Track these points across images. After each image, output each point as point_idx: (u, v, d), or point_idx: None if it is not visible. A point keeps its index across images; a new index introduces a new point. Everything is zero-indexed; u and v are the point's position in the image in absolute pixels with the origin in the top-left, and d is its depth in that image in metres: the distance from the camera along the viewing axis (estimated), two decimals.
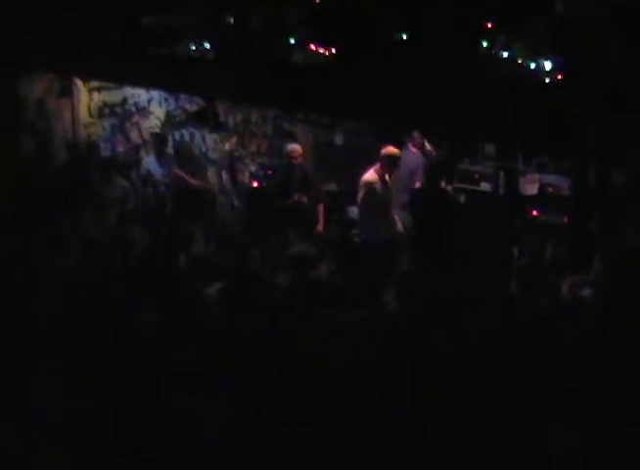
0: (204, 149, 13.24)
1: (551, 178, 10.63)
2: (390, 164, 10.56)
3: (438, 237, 10.06)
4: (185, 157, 12.24)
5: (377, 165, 10.59)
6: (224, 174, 12.89)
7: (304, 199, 11.42)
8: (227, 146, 12.74)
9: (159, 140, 12.42)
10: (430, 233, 10.19)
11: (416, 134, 11.02)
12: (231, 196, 12.69)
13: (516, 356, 6.26)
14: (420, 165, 11.15)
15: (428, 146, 11.20)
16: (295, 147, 11.62)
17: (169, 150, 12.58)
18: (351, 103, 9.76)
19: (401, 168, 11.00)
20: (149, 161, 12.24)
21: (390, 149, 10.64)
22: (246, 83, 10.32)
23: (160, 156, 12.17)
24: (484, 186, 11.09)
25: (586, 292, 8.24)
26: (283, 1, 10.46)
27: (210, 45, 10.71)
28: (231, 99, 12.11)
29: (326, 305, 7.20)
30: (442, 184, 11.19)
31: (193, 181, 11.93)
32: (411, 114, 9.61)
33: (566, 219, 10.42)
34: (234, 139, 13.09)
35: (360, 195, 10.58)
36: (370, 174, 10.58)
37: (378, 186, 10.46)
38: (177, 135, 13.14)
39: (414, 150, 11.08)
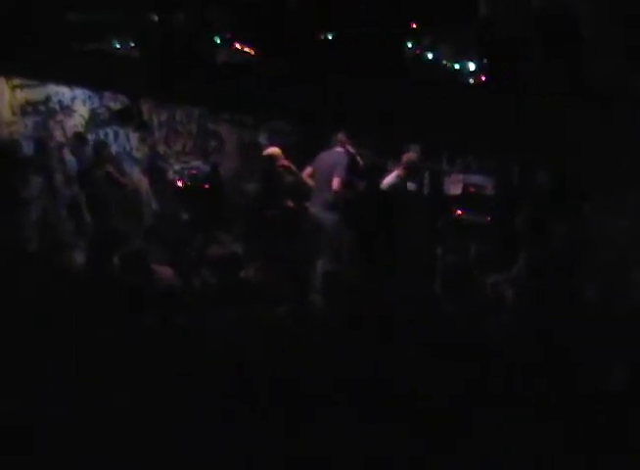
0: (128, 148, 13.06)
1: (475, 178, 10.66)
2: (412, 169, 10.56)
3: (384, 239, 9.96)
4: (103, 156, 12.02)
5: (399, 170, 10.59)
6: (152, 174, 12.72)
7: (291, 204, 11.16)
8: (151, 145, 12.57)
9: (77, 139, 12.20)
10: (372, 235, 10.06)
11: (340, 134, 10.91)
12: (158, 196, 12.52)
13: (438, 355, 6.20)
14: (339, 163, 10.92)
15: (349, 147, 11.10)
16: (274, 150, 11.33)
17: (89, 149, 12.35)
18: (276, 102, 9.72)
19: (322, 167, 10.86)
20: (71, 160, 12.03)
21: (412, 155, 10.65)
22: (170, 82, 10.24)
23: (79, 155, 11.96)
24: (409, 186, 10.81)
25: (509, 290, 8.27)
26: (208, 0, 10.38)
27: (135, 43, 10.56)
28: (155, 97, 11.95)
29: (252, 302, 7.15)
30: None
31: (123, 180, 11.77)
32: (336, 113, 9.61)
33: (489, 218, 10.44)
34: (158, 138, 12.93)
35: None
36: (392, 178, 10.60)
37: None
38: (101, 134, 12.94)
39: (339, 149, 10.93)
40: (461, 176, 10.82)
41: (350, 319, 6.84)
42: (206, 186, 12.30)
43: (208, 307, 7.21)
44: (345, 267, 9.42)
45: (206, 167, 12.86)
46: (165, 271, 8.19)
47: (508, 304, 8.05)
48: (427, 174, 11.08)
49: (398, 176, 10.51)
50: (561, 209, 9.48)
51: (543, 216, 9.48)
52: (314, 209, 10.73)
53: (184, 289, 7.86)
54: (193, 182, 12.48)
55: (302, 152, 11.70)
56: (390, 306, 7.27)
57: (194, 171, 12.68)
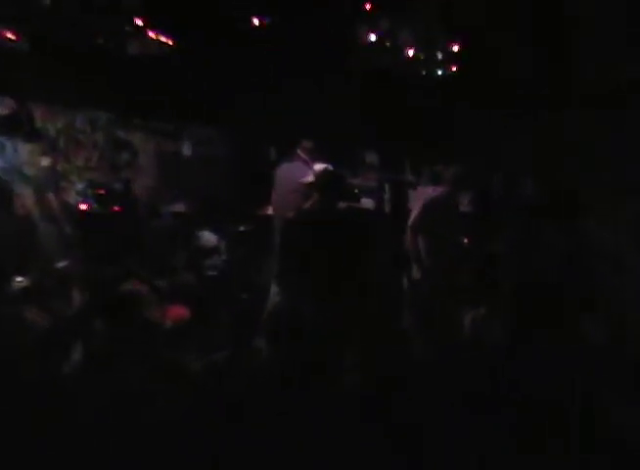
0: (16, 163, 12.97)
1: None
2: (459, 184, 10.14)
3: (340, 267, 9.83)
4: None
5: (444, 185, 10.18)
6: (51, 195, 12.60)
7: None
8: (47, 160, 12.49)
9: None
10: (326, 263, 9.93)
11: (306, 142, 10.50)
12: (59, 222, 12.39)
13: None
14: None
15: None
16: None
17: None
18: (201, 104, 9.93)
19: (284, 184, 10.61)
20: None
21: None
22: (68, 81, 10.28)
23: None
24: (366, 203, 11.06)
25: (492, 327, 8.51)
26: None
27: (24, 34, 10.57)
28: (50, 100, 11.96)
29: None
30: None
31: None
32: (276, 115, 9.64)
33: (465, 240, 10.53)
34: (55, 150, 12.88)
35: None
36: (433, 194, 10.16)
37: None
38: None
39: (303, 160, 10.60)
40: (430, 189, 10.61)
41: (297, 367, 7.04)
42: (117, 209, 12.31)
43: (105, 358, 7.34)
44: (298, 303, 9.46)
45: (117, 186, 12.80)
46: (39, 316, 8.30)
47: (490, 344, 8.29)
48: (387, 188, 11.13)
49: (443, 192, 10.16)
50: (554, 226, 9.48)
51: (532, 236, 9.54)
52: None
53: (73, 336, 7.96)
54: (100, 205, 12.41)
55: (236, 165, 11.80)
56: (349, 351, 7.54)
57: (101, 191, 12.53)
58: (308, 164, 10.37)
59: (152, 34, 10.06)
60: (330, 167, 9.25)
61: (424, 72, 9.93)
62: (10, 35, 10.40)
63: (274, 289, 10.02)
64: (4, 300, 8.88)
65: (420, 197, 10.21)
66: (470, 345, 8.35)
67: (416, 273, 9.89)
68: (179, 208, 12.47)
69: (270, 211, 11.09)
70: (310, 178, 9.34)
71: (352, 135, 9.73)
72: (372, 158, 11.39)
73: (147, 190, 13.07)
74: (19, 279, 9.85)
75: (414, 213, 9.97)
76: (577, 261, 9.02)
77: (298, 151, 10.59)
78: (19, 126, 12.18)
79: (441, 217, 9.84)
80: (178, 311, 9.46)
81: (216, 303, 10.38)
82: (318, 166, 9.56)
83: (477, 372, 7.20)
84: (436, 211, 9.87)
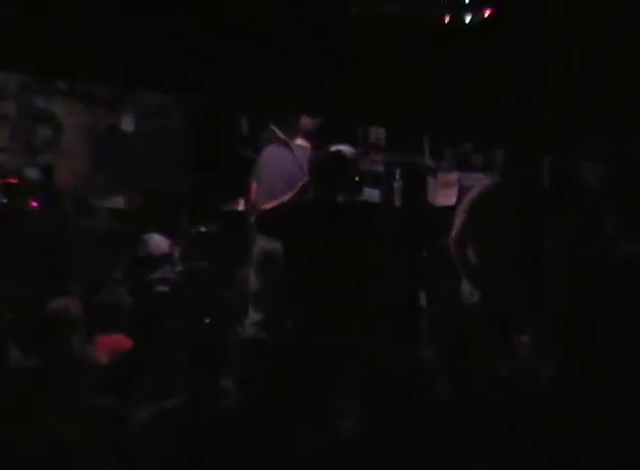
0: None
1: (477, 178, 10.42)
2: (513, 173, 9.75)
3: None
4: None
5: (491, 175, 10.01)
6: None
7: None
8: None
9: None
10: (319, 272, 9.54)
11: (306, 119, 10.31)
12: None
13: None
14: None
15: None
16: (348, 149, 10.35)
17: None
18: (148, 62, 9.58)
19: (277, 172, 10.30)
20: None
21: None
22: None
23: None
24: (369, 194, 10.76)
25: (540, 360, 8.10)
26: None
27: None
28: None
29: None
30: None
31: None
32: (250, 78, 9.62)
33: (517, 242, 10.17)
34: None
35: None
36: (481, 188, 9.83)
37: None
38: None
39: (302, 143, 10.38)
40: (455, 176, 10.66)
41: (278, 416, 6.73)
42: (34, 203, 11.99)
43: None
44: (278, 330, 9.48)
45: (34, 172, 12.56)
46: None
47: (541, 382, 7.78)
48: (398, 174, 10.96)
49: (490, 185, 9.83)
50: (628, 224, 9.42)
51: (588, 241, 9.33)
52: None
53: None
54: (11, 198, 12.11)
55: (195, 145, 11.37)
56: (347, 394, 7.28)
57: (12, 180, 12.30)
58: (306, 150, 10.29)
59: None
60: (332, 148, 9.14)
61: (447, 19, 9.65)
62: None
63: (253, 316, 10.02)
64: None
65: (444, 184, 10.66)
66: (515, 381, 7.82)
67: (466, 288, 9.67)
68: (118, 202, 12.37)
69: (242, 206, 11.13)
70: None
71: (351, 103, 9.65)
72: (378, 134, 11.14)
73: (74, 178, 12.97)
74: None
75: (460, 217, 9.63)
76: None
77: (274, 128, 10.49)
78: None
79: (495, 218, 9.48)
80: (116, 341, 9.35)
81: (168, 328, 9.89)
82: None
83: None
84: (488, 210, 9.51)
